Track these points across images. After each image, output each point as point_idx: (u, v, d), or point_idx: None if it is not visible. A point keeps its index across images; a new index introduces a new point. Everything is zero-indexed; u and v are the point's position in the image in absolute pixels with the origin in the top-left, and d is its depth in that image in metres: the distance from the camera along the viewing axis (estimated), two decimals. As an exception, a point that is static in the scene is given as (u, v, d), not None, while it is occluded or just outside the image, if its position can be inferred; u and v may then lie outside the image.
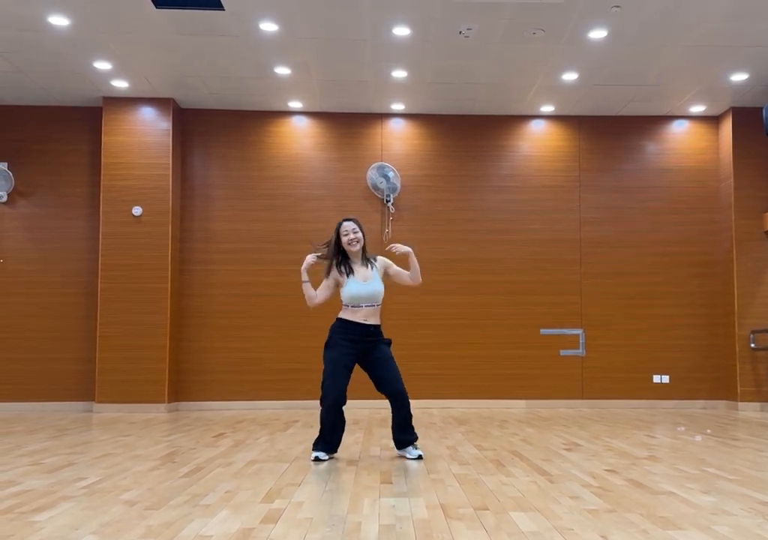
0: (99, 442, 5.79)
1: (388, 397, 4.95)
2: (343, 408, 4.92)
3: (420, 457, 4.86)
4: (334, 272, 4.99)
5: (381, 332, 5.03)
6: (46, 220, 9.12)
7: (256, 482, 4.00)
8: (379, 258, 5.09)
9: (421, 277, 5.09)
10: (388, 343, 5.06)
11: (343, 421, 4.96)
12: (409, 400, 4.95)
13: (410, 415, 4.96)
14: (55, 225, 9.12)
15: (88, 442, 5.78)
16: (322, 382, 4.90)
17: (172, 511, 3.28)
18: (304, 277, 5.03)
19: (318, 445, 4.90)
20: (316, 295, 5.02)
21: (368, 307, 4.92)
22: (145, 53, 7.68)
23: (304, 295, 5.03)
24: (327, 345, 4.96)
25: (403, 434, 4.98)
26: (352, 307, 4.92)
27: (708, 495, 3.64)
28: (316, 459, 4.82)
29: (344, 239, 4.95)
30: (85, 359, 8.92)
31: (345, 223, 4.98)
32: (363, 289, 4.91)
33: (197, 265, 9.17)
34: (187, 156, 9.32)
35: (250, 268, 9.19)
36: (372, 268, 4.99)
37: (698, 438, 6.04)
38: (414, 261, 5.05)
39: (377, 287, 4.95)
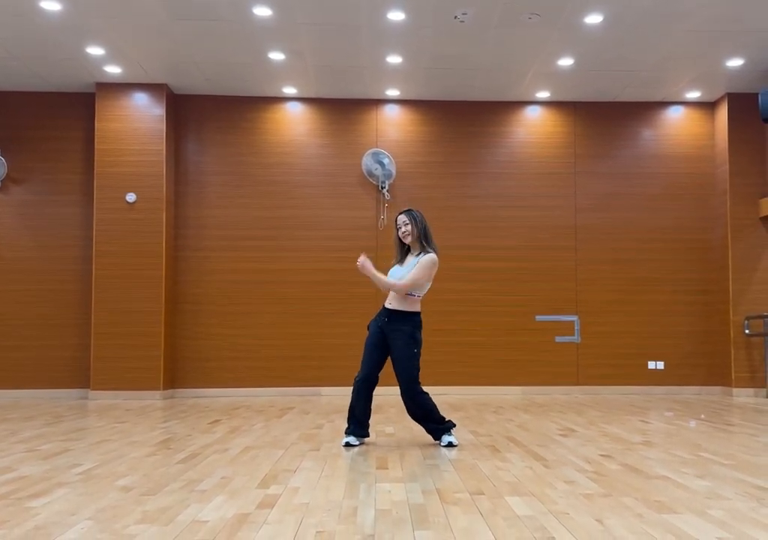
0: (95, 429, 5.79)
1: None
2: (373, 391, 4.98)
3: (450, 444, 4.81)
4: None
5: (402, 320, 4.90)
6: (40, 207, 9.08)
7: (252, 468, 4.00)
8: (428, 254, 4.90)
9: (392, 287, 4.92)
10: (405, 334, 4.87)
11: (369, 402, 4.94)
12: (423, 404, 4.88)
13: (424, 412, 4.88)
14: (49, 212, 9.08)
15: (83, 429, 5.78)
16: None
17: (168, 496, 3.28)
18: (371, 273, 4.94)
19: (348, 429, 4.94)
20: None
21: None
22: (139, 38, 7.61)
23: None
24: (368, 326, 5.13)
25: (429, 426, 4.94)
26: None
27: (703, 479, 3.65)
28: (347, 444, 4.85)
29: (399, 233, 5.02)
30: (80, 346, 8.91)
31: (398, 217, 5.04)
32: (393, 272, 5.00)
33: (192, 251, 9.15)
34: (181, 142, 9.27)
35: (245, 254, 9.17)
36: (417, 259, 4.93)
37: (692, 424, 6.06)
38: (372, 275, 4.90)
39: (402, 274, 4.92)
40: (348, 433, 4.94)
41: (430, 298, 9.82)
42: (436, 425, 4.93)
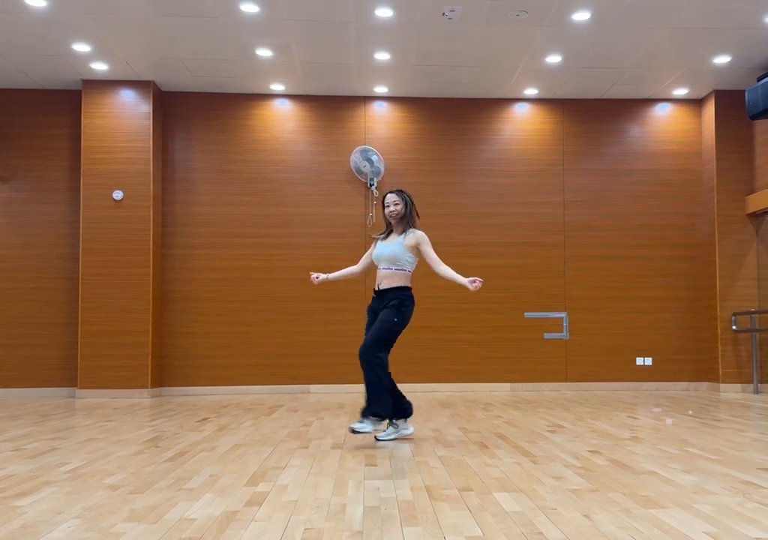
0: (82, 428, 5.76)
1: None
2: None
3: (353, 431, 4.73)
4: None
5: (393, 296, 4.93)
6: (26, 205, 9.02)
7: (240, 466, 3.99)
8: (417, 231, 5.04)
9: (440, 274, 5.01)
10: (392, 305, 4.92)
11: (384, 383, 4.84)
12: (373, 369, 4.78)
13: (369, 383, 4.78)
14: (35, 209, 9.02)
15: (70, 428, 5.75)
16: None
17: (155, 494, 3.27)
18: (323, 278, 5.28)
19: (362, 412, 4.84)
20: (354, 268, 5.36)
21: (385, 270, 5.02)
22: (125, 35, 7.57)
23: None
24: None
25: (366, 395, 4.84)
26: (377, 269, 5.10)
27: (689, 474, 3.67)
28: (351, 430, 4.76)
29: (386, 211, 5.09)
30: (67, 345, 8.86)
31: (388, 195, 5.12)
32: (382, 250, 5.05)
33: (179, 249, 9.12)
34: (168, 139, 9.23)
35: (232, 252, 9.14)
36: (402, 236, 5.03)
37: (670, 421, 6.09)
38: (459, 280, 4.87)
39: (393, 248, 4.99)
40: (362, 415, 4.86)
41: (418, 295, 9.86)
42: (369, 402, 4.80)
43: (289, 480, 3.59)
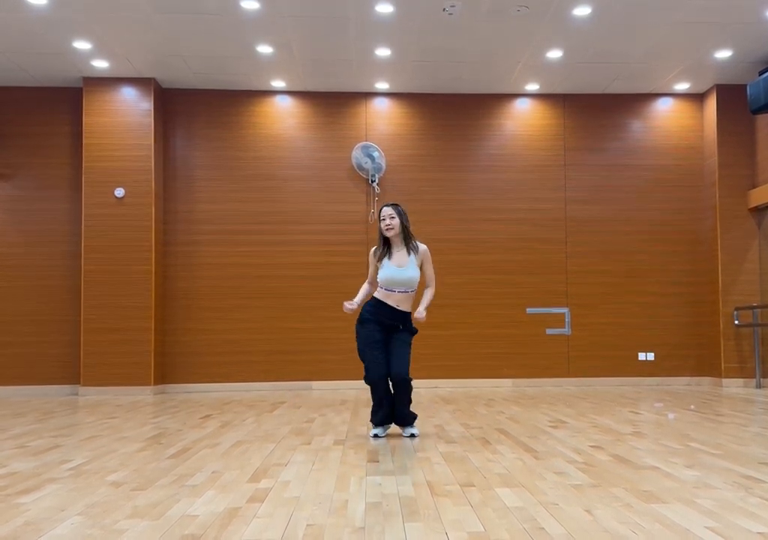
0: (85, 425, 5.77)
1: (391, 379, 4.90)
2: (389, 380, 4.95)
3: (413, 436, 4.95)
4: (376, 258, 5.07)
5: (410, 319, 4.99)
6: (28, 203, 9.03)
7: (242, 462, 4.00)
8: (422, 246, 5.02)
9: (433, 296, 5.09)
10: (413, 332, 5.02)
11: (390, 394, 4.94)
12: (411, 387, 4.94)
13: (408, 400, 4.96)
14: (37, 207, 9.03)
15: (74, 425, 5.76)
16: (363, 361, 4.92)
17: (158, 491, 3.27)
18: (355, 305, 5.02)
19: (374, 421, 5.01)
20: (370, 288, 5.19)
21: (401, 293, 4.93)
22: (126, 32, 7.57)
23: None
24: (359, 321, 4.99)
25: (401, 415, 4.99)
26: (386, 290, 4.94)
27: (691, 469, 3.67)
28: (375, 436, 4.95)
29: (382, 225, 4.99)
30: (69, 342, 8.87)
31: (383, 209, 5.02)
32: (397, 274, 4.91)
33: (181, 246, 9.12)
34: (170, 136, 9.23)
35: (234, 249, 9.15)
36: (411, 254, 4.97)
37: (671, 416, 6.09)
38: (422, 305, 4.95)
39: (411, 274, 4.93)
40: (375, 423, 5.01)
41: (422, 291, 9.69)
42: (409, 418, 5.02)
43: (291, 476, 3.60)
